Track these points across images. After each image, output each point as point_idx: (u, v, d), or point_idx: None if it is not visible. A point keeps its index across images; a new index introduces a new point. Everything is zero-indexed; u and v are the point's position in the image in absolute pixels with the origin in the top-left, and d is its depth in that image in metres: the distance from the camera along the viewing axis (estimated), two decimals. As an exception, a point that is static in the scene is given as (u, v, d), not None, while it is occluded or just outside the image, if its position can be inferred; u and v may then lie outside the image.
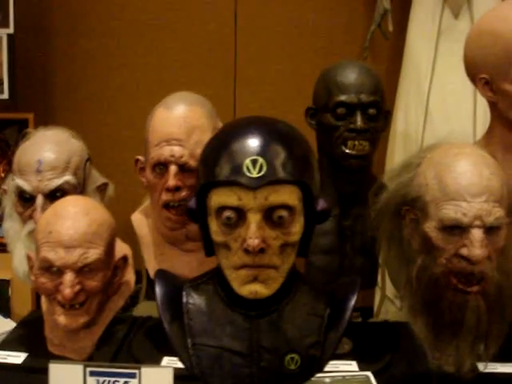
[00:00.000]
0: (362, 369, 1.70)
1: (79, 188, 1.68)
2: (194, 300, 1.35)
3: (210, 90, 2.76)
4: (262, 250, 1.20)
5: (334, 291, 1.38)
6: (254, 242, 1.18)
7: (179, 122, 1.60)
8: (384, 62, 2.77)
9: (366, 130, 1.58)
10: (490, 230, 1.33)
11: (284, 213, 1.22)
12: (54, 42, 2.80)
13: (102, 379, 1.30)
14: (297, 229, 1.24)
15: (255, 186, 1.18)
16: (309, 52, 2.75)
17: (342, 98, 1.58)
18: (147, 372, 1.29)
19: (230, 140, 1.24)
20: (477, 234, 1.31)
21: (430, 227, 1.36)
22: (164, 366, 1.30)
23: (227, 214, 1.21)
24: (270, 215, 1.21)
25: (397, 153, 2.53)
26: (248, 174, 1.19)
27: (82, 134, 2.80)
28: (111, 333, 1.79)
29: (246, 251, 1.20)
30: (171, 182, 1.57)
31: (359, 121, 1.57)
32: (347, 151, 1.59)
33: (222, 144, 1.25)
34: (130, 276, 1.55)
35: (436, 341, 1.39)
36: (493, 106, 1.64)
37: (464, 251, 1.32)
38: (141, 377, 1.29)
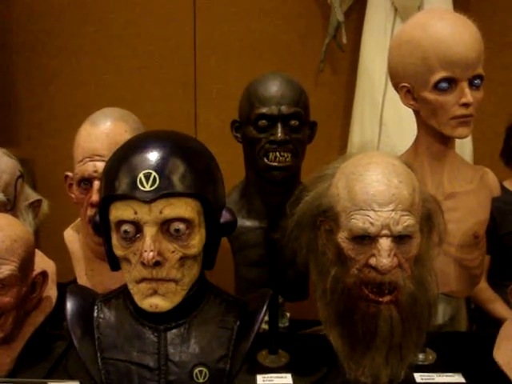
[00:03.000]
0: (296, 382, 1.70)
1: (9, 205, 1.69)
2: (104, 314, 1.35)
3: (170, 106, 2.82)
4: (157, 263, 1.20)
5: (247, 303, 1.38)
6: (148, 255, 1.19)
7: (102, 137, 1.61)
8: (343, 74, 2.77)
9: (287, 142, 1.58)
10: (399, 239, 1.31)
11: (181, 226, 1.22)
12: (15, 59, 2.82)
13: (8, 394, 1.30)
14: (196, 241, 1.24)
15: (148, 199, 1.19)
16: (268, 66, 2.73)
17: (263, 110, 1.59)
18: (53, 387, 1.30)
19: (128, 154, 1.25)
20: (384, 243, 1.30)
21: (342, 237, 1.35)
22: (70, 381, 1.29)
23: (125, 227, 1.22)
24: (167, 228, 1.22)
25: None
26: (141, 188, 1.19)
27: (45, 150, 2.85)
28: (49, 349, 1.80)
29: (143, 264, 1.20)
30: (95, 197, 1.58)
31: (279, 132, 1.57)
32: (269, 163, 1.59)
33: (121, 158, 1.25)
34: (51, 292, 1.55)
35: (351, 352, 1.38)
36: (417, 114, 1.63)
37: (372, 261, 1.31)
38: (47, 392, 1.30)
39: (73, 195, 1.68)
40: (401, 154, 1.75)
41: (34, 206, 1.77)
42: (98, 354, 1.32)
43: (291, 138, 1.59)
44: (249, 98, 1.63)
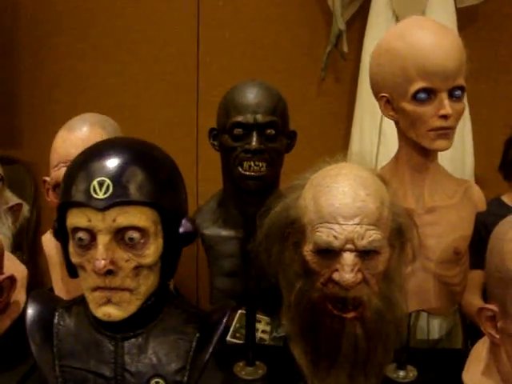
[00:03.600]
0: (273, 394, 1.68)
1: (-12, 208, 1.70)
2: (64, 321, 1.34)
3: (172, 111, 2.81)
4: (110, 272, 1.19)
5: (208, 315, 1.36)
6: (100, 263, 1.17)
7: (77, 143, 1.60)
8: (346, 83, 2.73)
9: (262, 151, 1.55)
10: (365, 253, 1.28)
11: (135, 234, 1.20)
12: (19, 64, 2.84)
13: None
14: (151, 251, 1.22)
15: (100, 207, 1.18)
16: (271, 74, 2.72)
17: (239, 118, 1.56)
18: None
19: (86, 160, 1.24)
20: (348, 257, 1.26)
21: (307, 250, 1.32)
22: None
23: (79, 235, 1.21)
24: (121, 237, 1.20)
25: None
26: (94, 195, 1.18)
27: (48, 154, 2.86)
28: (26, 354, 1.79)
29: (96, 273, 1.19)
30: None
31: (254, 141, 1.55)
32: (243, 172, 1.57)
33: (79, 164, 1.24)
34: (19, 296, 1.55)
35: (315, 369, 1.35)
36: (397, 125, 1.59)
37: (336, 276, 1.27)
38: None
39: (50, 200, 1.68)
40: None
41: (14, 209, 1.78)
42: (56, 362, 1.31)
43: (267, 147, 1.56)
44: (225, 106, 1.61)
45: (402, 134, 1.59)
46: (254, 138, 1.55)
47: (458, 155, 2.42)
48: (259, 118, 1.55)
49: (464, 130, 2.45)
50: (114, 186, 1.18)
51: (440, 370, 1.77)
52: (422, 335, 2.44)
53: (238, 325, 2.46)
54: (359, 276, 1.27)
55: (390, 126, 2.36)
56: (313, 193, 1.33)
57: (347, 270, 1.26)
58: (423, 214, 1.59)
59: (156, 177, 1.23)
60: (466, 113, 2.48)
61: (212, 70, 2.77)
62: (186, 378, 1.29)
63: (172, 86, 2.79)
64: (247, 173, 1.56)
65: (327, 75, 2.69)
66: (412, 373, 1.75)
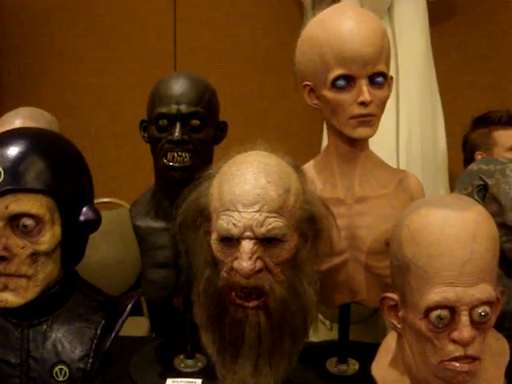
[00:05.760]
0: (205, 387, 1.67)
1: None
2: None
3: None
4: (4, 258, 1.21)
5: (116, 303, 1.37)
6: None
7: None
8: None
9: (186, 142, 1.55)
10: (267, 241, 1.27)
11: (29, 221, 1.22)
12: (2, 62, 2.90)
13: None
14: (46, 238, 1.24)
15: None
16: (248, 70, 2.74)
17: (163, 109, 1.57)
18: None
19: None
20: (246, 245, 1.26)
21: (213, 239, 1.32)
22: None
23: None
24: (17, 224, 1.23)
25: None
26: None
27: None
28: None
29: None
30: None
31: (177, 132, 1.55)
32: (167, 163, 1.56)
33: None
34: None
35: (221, 359, 1.34)
36: (323, 114, 1.57)
37: (235, 264, 1.27)
38: None
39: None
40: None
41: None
42: None
43: (191, 137, 1.56)
44: (152, 98, 1.63)
45: (328, 123, 1.56)
46: (177, 129, 1.55)
47: (430, 151, 2.38)
48: (183, 108, 1.56)
49: (436, 125, 2.41)
50: (6, 174, 1.21)
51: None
52: (393, 332, 2.40)
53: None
54: (258, 264, 1.26)
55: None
56: (219, 181, 1.33)
57: (245, 257, 1.25)
58: (353, 204, 1.56)
59: (54, 165, 1.25)
60: (439, 108, 2.44)
61: (189, 67, 2.76)
62: (89, 366, 1.30)
63: (150, 84, 2.80)
64: (171, 163, 1.56)
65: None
66: (353, 366, 1.72)
